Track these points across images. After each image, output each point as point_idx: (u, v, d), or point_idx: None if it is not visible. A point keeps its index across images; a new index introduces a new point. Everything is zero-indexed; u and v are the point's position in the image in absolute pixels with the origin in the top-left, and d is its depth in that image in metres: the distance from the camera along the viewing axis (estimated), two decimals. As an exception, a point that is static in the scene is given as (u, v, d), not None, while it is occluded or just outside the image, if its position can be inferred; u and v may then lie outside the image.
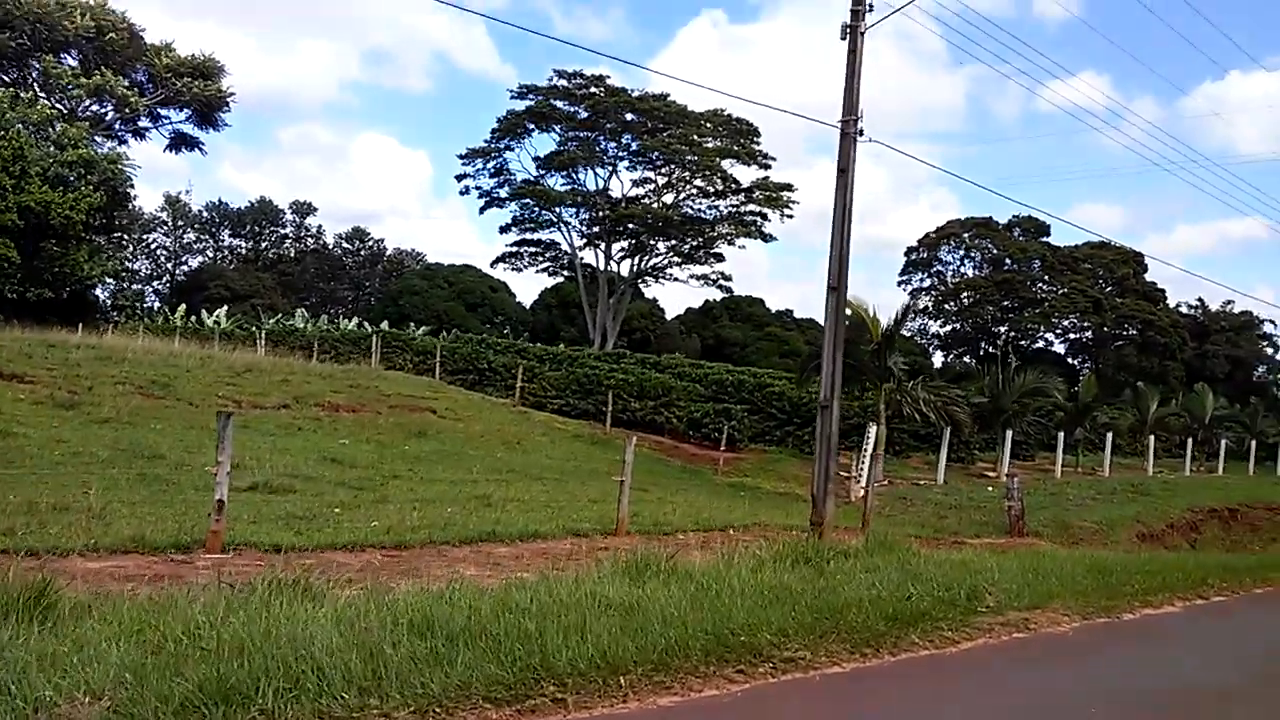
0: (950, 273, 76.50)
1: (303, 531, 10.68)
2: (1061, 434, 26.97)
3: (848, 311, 24.03)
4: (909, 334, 77.16)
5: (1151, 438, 31.05)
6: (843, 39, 11.74)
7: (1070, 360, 74.86)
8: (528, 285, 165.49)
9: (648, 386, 27.24)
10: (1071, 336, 73.55)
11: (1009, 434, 24.29)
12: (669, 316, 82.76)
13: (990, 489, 22.63)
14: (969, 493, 22.04)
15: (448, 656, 5.19)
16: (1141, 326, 68.50)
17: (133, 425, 17.78)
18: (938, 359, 77.90)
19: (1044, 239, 71.22)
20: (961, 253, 75.76)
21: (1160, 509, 23.07)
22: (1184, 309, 75.27)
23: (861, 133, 11.85)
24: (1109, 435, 28.90)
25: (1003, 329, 74.38)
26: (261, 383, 24.23)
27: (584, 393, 28.04)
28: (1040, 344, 74.54)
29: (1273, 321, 73.16)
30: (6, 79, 44.61)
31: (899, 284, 77.54)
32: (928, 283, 77.09)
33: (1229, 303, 73.27)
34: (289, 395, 23.44)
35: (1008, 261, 72.67)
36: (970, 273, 75.16)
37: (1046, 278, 71.37)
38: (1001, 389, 26.61)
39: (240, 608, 5.55)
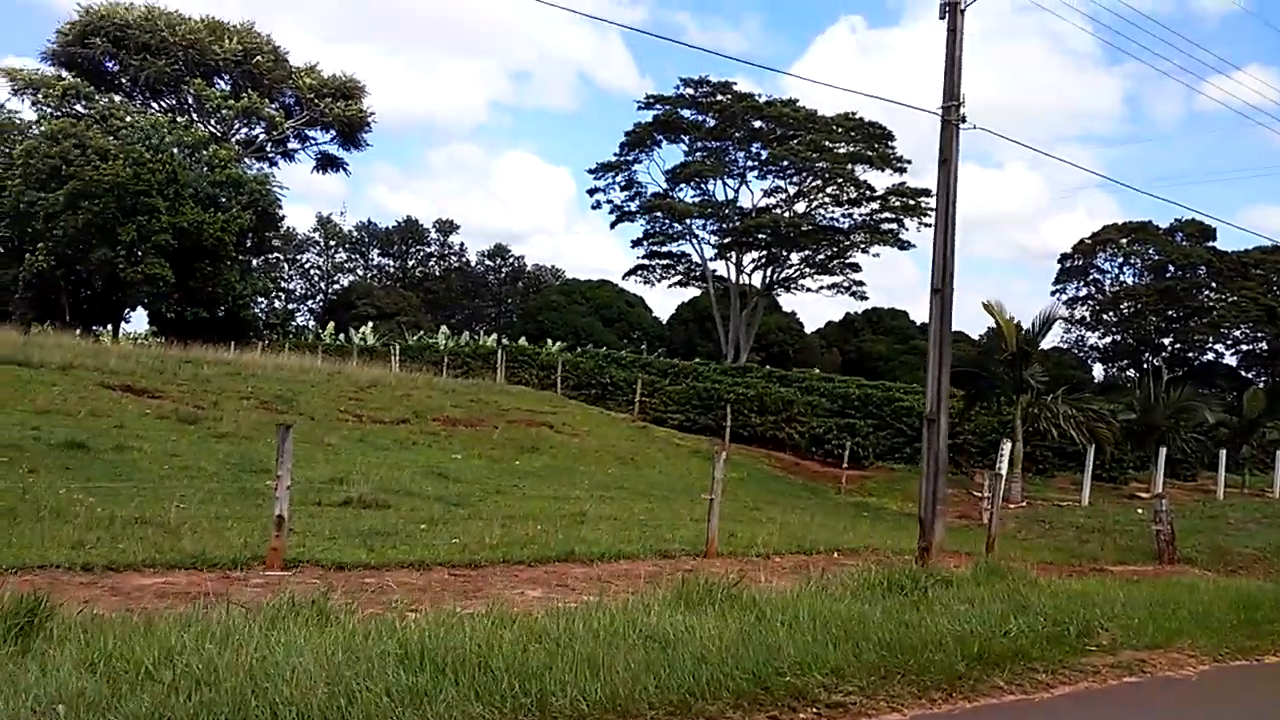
0: (1109, 281, 72.43)
1: (376, 549, 10.48)
2: (1224, 452, 24.65)
3: (992, 321, 22.81)
4: (1066, 345, 73.43)
5: (1330, 456, 28.10)
6: (941, 18, 10.85)
7: (1244, 373, 69.44)
8: (664, 300, 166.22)
9: (768, 401, 26.39)
10: (1244, 348, 68.18)
11: (1163, 452, 22.31)
12: (808, 330, 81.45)
13: (1139, 511, 20.82)
14: (1115, 515, 20.30)
15: (431, 693, 4.70)
16: (1326, 335, 63.03)
17: (250, 440, 18.20)
18: (1098, 372, 73.80)
19: (1209, 243, 66.44)
20: (1120, 260, 71.63)
21: (1341, 535, 20.72)
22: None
23: (964, 119, 10.91)
24: (1278, 453, 26.29)
25: (1167, 340, 69.76)
26: (384, 398, 24.63)
27: (704, 407, 27.41)
28: (1210, 356, 69.54)
29: None
30: (164, 105, 47.45)
31: (1052, 293, 73.82)
32: (1084, 292, 73.22)
33: None
34: (409, 410, 23.72)
35: (1170, 268, 68.24)
36: (1130, 281, 70.97)
37: (1214, 285, 66.55)
38: (1154, 403, 24.51)
39: (231, 633, 5.23)
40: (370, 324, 55.86)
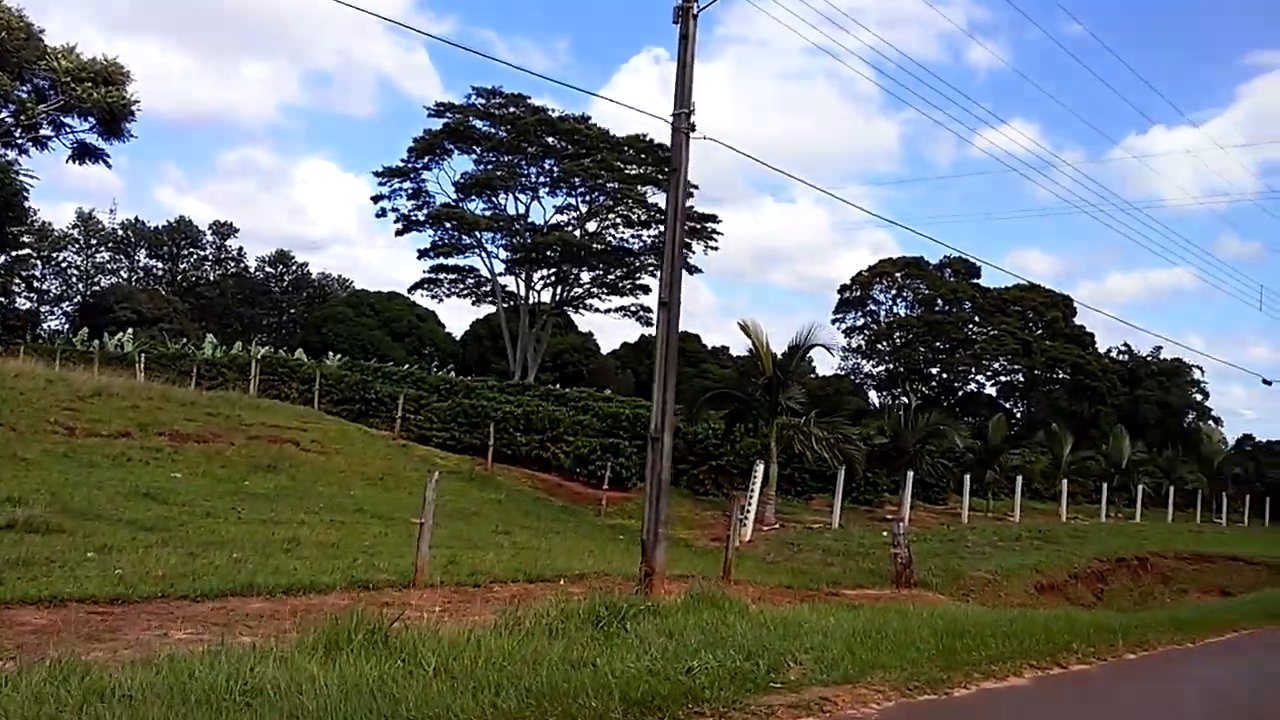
0: (883, 312, 76.10)
1: (6, 582, 8.96)
2: (968, 477, 25.79)
3: (749, 343, 22.91)
4: (843, 372, 76.64)
5: (1065, 482, 30.02)
6: (675, 22, 10.40)
7: (1003, 403, 74.52)
8: (459, 316, 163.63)
9: (535, 419, 25.56)
10: (1003, 379, 73.18)
11: (909, 475, 23.03)
12: (605, 351, 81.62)
13: (885, 535, 21.28)
14: (862, 538, 20.67)
15: None
16: (1072, 370, 68.37)
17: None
18: (875, 399, 77.28)
19: (974, 280, 71.05)
20: (894, 292, 75.41)
21: (1065, 558, 21.93)
22: (1113, 354, 75.44)
23: (694, 128, 10.48)
24: (1019, 479, 27.80)
25: (935, 369, 73.95)
26: (106, 409, 22.22)
27: (470, 425, 26.29)
28: (973, 386, 74.22)
29: (1200, 368, 73.48)
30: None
31: (833, 322, 76.98)
32: (861, 321, 76.66)
33: (1158, 349, 73.61)
34: (133, 423, 21.46)
35: (939, 302, 72.41)
36: (902, 312, 74.76)
37: (977, 319, 71.09)
38: (904, 428, 25.39)
39: None
40: (130, 330, 51.43)
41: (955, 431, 25.85)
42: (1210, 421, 71.90)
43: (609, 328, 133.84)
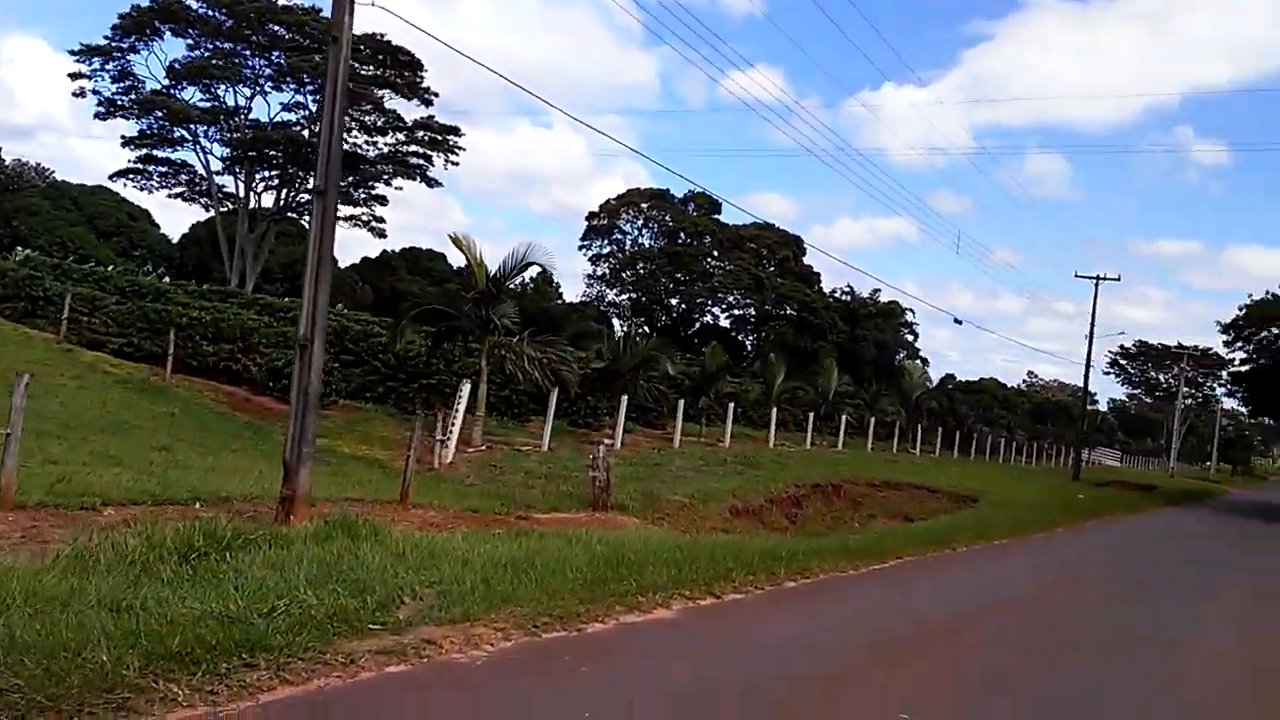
0: (629, 242, 76.60)
1: None
2: (682, 402, 25.98)
3: (462, 257, 21.66)
4: (589, 300, 76.72)
5: (775, 410, 31.04)
6: None
7: (736, 336, 77.36)
8: (180, 218, 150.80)
9: (226, 328, 23.17)
10: (736, 312, 75.81)
11: (624, 399, 22.78)
12: (343, 265, 77.88)
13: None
14: (568, 460, 20.16)
15: None
16: (799, 307, 71.68)
17: None
18: (618, 326, 78.04)
19: (715, 216, 72.72)
20: (640, 223, 75.98)
21: (765, 483, 22.42)
22: (838, 294, 79.86)
23: (356, -9, 9.04)
24: (730, 405, 28.40)
25: (674, 300, 75.46)
26: None
27: (153, 331, 23.48)
28: (709, 318, 76.45)
29: (912, 310, 79.25)
30: None
31: (580, 249, 76.84)
32: (607, 249, 76.88)
33: (876, 291, 78.43)
34: None
35: (682, 235, 73.64)
36: (647, 243, 75.55)
37: (716, 254, 72.96)
38: (622, 351, 25.15)
39: None
40: None
41: (670, 358, 25.85)
42: (918, 360, 77.77)
43: (350, 242, 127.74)
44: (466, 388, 19.05)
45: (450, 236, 20.40)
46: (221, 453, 16.99)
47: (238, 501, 11.24)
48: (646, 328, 74.82)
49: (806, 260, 73.09)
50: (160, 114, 47.39)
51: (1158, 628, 10.23)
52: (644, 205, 74.77)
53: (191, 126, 47.84)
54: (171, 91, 47.49)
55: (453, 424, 19.13)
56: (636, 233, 76.01)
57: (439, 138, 49.23)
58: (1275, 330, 42.79)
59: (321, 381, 10.13)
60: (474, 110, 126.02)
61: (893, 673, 7.06)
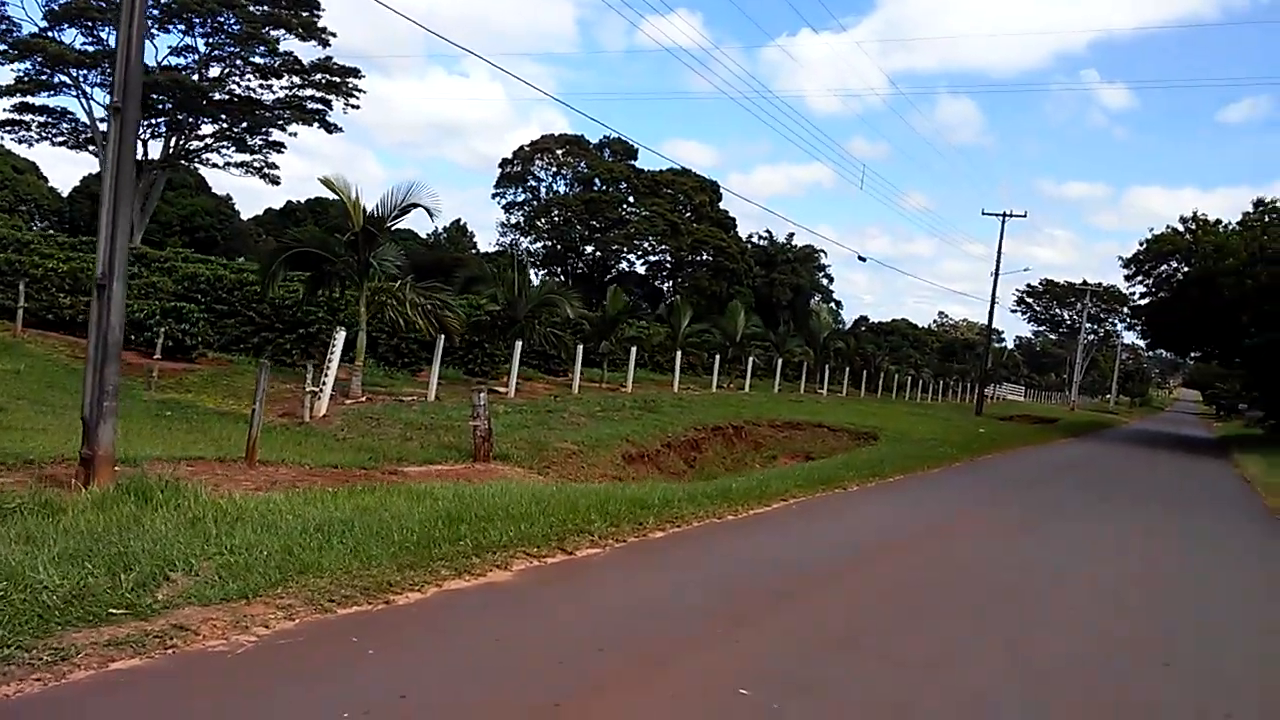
0: (544, 189, 75.01)
1: None
2: (581, 348, 25.06)
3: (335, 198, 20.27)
4: (502, 248, 74.98)
5: (679, 354, 30.34)
6: None
7: (653, 282, 76.62)
8: (70, 170, 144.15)
9: (84, 278, 21.58)
10: (652, 259, 74.95)
11: (518, 345, 21.78)
12: (245, 216, 75.30)
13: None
14: (452, 410, 19.18)
15: None
16: (715, 253, 71.12)
17: None
18: (534, 277, 76.56)
19: (631, 162, 71.48)
20: (554, 169, 74.38)
21: (663, 426, 21.73)
22: (755, 240, 79.53)
23: None
24: (633, 350, 27.58)
25: (590, 248, 74.25)
26: None
27: (6, 285, 21.78)
28: (624, 265, 75.45)
29: (825, 252, 79.29)
30: None
31: (493, 197, 75.05)
32: (522, 197, 75.19)
33: (791, 235, 78.30)
34: None
35: (597, 182, 72.28)
36: (562, 190, 74.06)
37: (631, 200, 71.82)
38: (518, 296, 24.10)
39: None
40: None
41: (567, 301, 24.85)
42: (833, 303, 78.12)
43: (251, 191, 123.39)
44: (341, 335, 17.89)
45: (320, 179, 19.04)
46: (66, 411, 15.66)
47: (49, 465, 10.10)
48: (562, 276, 73.71)
49: (723, 206, 72.41)
50: (39, 58, 44.27)
51: (1040, 563, 9.77)
52: (559, 151, 73.16)
53: (72, 71, 44.81)
54: (50, 34, 44.38)
55: (325, 374, 17.98)
56: (551, 180, 74.49)
57: (337, 80, 46.95)
58: (1173, 264, 43.50)
59: (123, 327, 8.97)
60: (388, 59, 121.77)
61: (745, 635, 6.30)
